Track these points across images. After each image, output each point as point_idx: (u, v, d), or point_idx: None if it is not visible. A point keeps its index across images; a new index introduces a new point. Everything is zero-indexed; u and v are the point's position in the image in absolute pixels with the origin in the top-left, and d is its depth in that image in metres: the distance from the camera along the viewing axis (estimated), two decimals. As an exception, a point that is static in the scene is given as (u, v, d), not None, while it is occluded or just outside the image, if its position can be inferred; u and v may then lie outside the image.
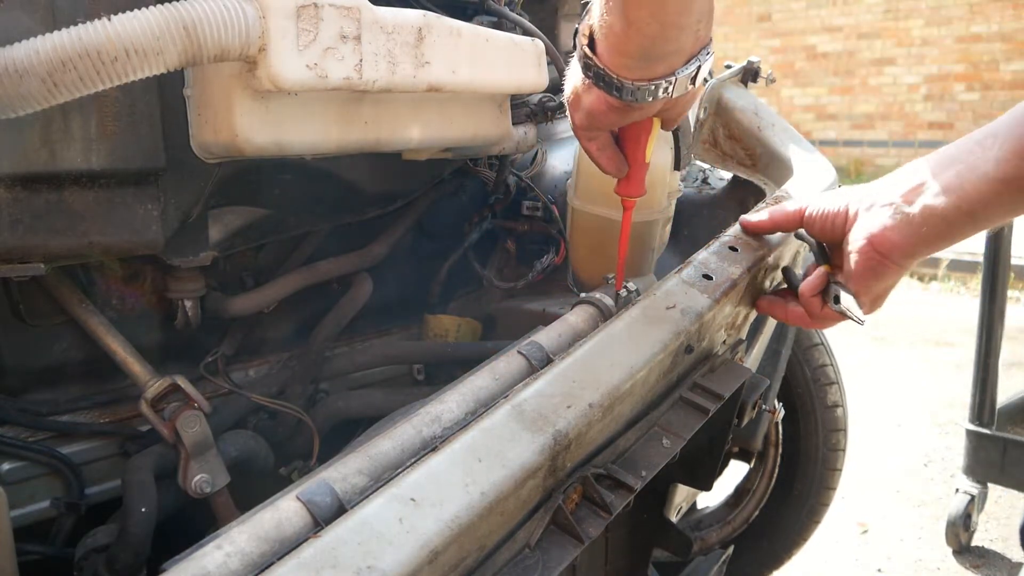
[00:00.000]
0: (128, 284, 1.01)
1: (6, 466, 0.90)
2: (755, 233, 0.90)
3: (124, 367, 0.93)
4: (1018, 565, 2.22)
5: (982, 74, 8.68)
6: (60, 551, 0.92)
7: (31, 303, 0.92)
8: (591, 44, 0.69)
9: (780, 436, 1.76)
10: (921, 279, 5.52)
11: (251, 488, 0.96)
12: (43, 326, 0.95)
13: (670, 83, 0.68)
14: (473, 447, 0.57)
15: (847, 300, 0.80)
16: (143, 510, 0.86)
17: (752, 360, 1.32)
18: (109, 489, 0.98)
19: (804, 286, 0.84)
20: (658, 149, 1.07)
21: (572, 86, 0.74)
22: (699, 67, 0.69)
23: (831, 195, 0.83)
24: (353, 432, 1.09)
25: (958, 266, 5.39)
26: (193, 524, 0.96)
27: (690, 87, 0.70)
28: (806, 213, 0.84)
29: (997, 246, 2.29)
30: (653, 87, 0.67)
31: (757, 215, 0.90)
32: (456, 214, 1.36)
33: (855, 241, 0.77)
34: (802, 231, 0.86)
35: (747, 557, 1.85)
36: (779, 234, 0.91)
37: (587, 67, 0.69)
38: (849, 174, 9.33)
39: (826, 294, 0.82)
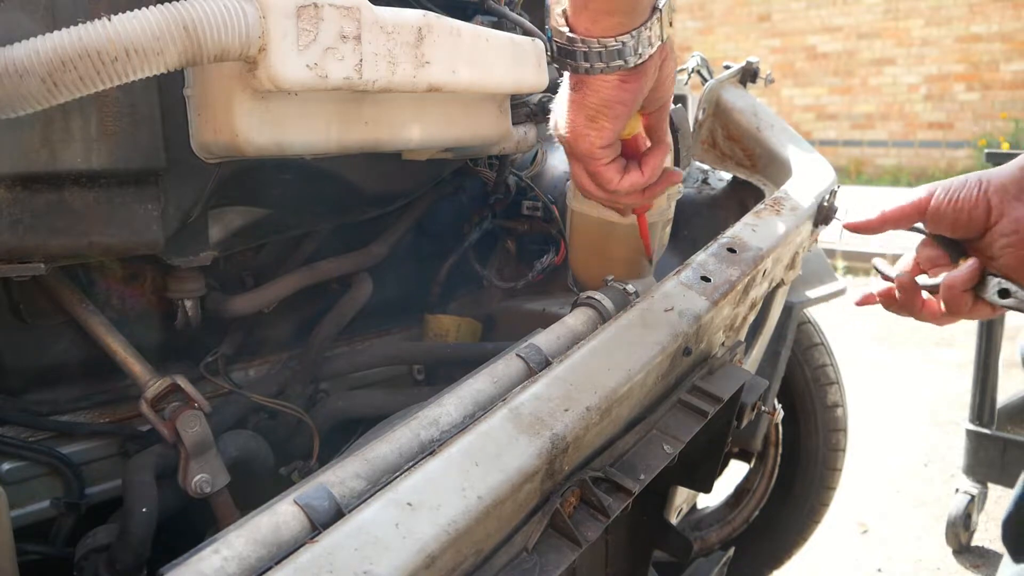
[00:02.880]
0: (128, 284, 1.01)
1: (6, 466, 0.90)
2: (864, 234, 0.84)
3: (124, 367, 0.93)
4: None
5: (982, 74, 8.68)
6: (60, 551, 0.92)
7: (31, 303, 0.92)
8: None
9: (780, 436, 1.77)
10: (922, 279, 5.51)
11: (251, 488, 0.96)
12: (43, 326, 0.95)
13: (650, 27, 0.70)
14: (470, 451, 0.57)
15: (1017, 293, 0.75)
16: (143, 510, 0.86)
17: (752, 361, 1.33)
18: (109, 489, 0.98)
19: (953, 279, 0.78)
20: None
21: (563, 108, 0.76)
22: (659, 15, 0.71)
23: (957, 184, 0.78)
24: (353, 432, 1.09)
25: (959, 266, 5.37)
26: (193, 524, 0.96)
27: (656, 43, 0.71)
28: (932, 206, 0.79)
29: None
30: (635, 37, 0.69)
31: (860, 216, 0.84)
32: (456, 214, 1.36)
33: (1013, 233, 0.73)
34: (919, 224, 0.81)
35: (747, 557, 1.85)
36: (778, 235, 0.91)
37: (583, 55, 0.71)
38: (849, 174, 9.33)
39: (980, 288, 0.77)
